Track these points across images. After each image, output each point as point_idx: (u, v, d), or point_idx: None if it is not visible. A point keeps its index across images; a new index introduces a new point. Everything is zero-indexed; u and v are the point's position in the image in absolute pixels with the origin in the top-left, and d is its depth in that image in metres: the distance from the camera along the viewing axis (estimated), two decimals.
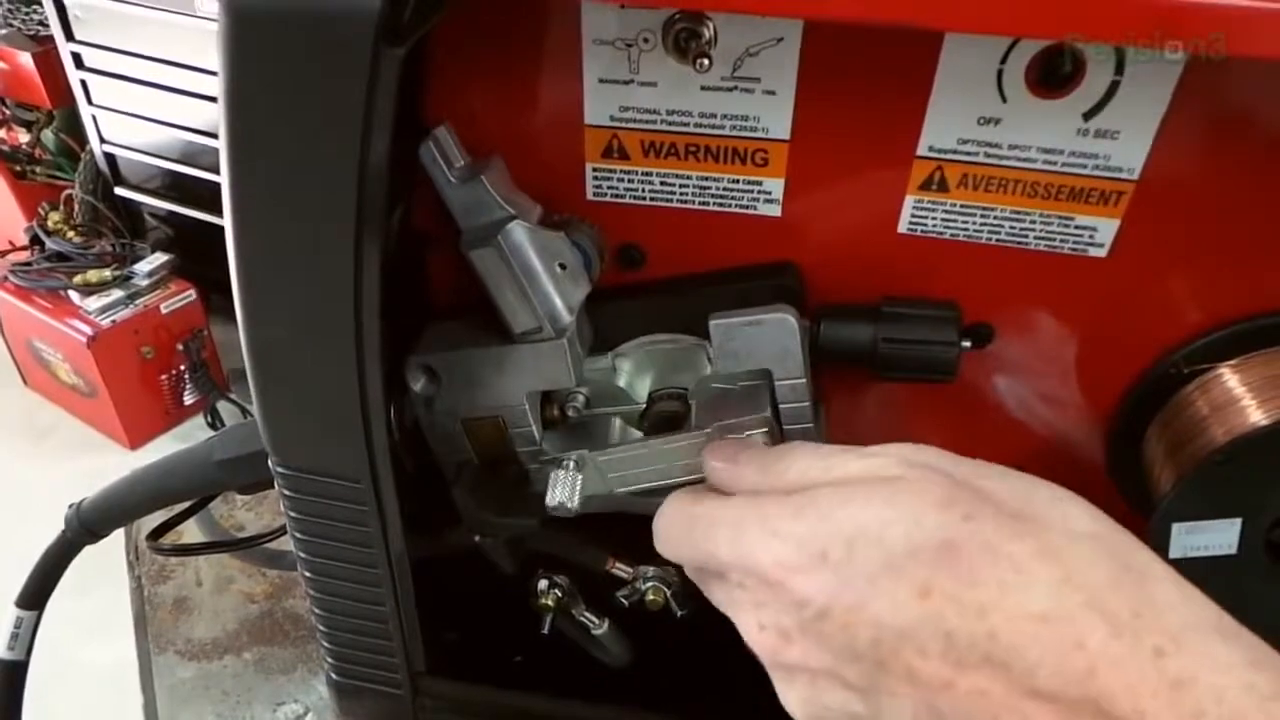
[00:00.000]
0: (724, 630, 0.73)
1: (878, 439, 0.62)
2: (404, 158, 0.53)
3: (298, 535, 0.58)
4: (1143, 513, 0.63)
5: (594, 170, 0.57)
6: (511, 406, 0.59)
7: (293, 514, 0.57)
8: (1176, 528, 0.55)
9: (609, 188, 0.57)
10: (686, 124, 0.54)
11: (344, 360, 0.49)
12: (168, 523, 0.71)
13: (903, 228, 0.56)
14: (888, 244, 0.56)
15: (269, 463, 0.56)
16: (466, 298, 0.61)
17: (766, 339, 0.54)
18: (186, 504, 0.73)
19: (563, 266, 0.55)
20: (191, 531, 0.79)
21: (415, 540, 0.60)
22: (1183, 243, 0.53)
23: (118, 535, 0.82)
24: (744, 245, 0.58)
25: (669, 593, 0.67)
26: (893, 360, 0.54)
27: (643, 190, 0.57)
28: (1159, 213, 0.52)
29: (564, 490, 0.55)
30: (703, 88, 0.52)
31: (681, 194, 0.57)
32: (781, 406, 0.56)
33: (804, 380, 0.55)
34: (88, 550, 0.74)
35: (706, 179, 0.56)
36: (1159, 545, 0.55)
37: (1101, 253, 0.54)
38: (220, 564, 1.08)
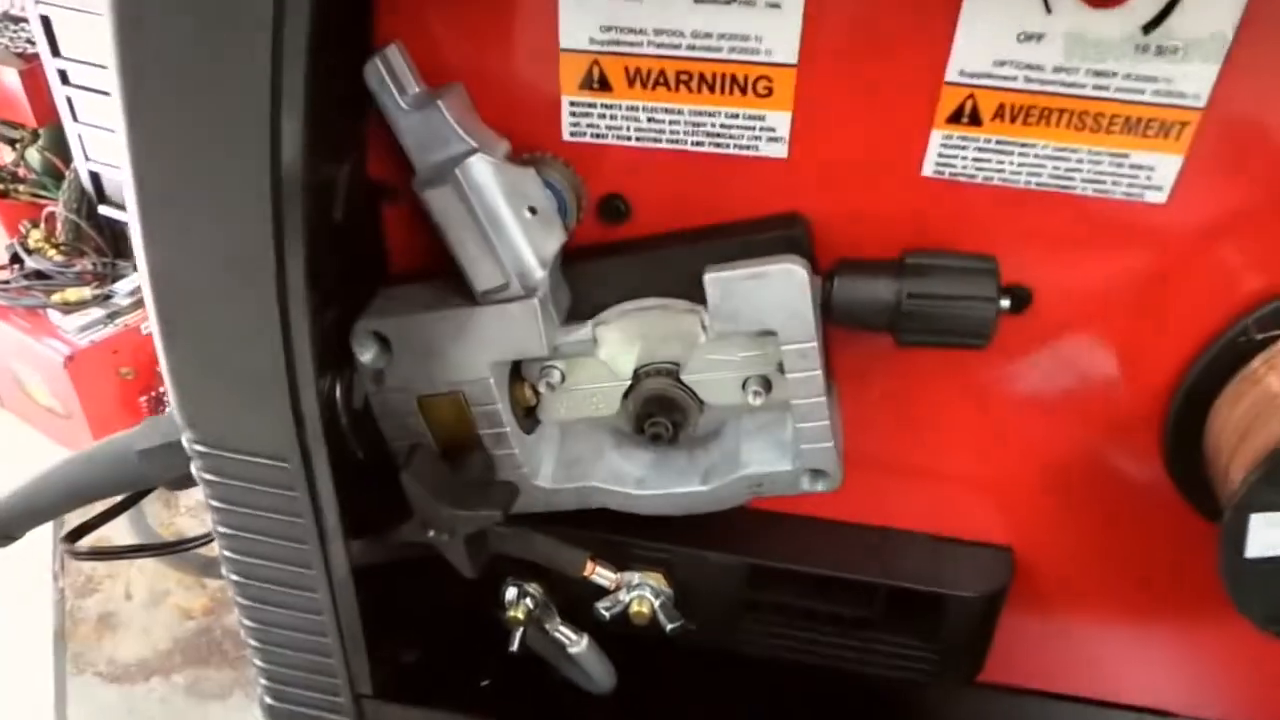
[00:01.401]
0: (722, 649, 0.65)
1: (893, 428, 0.54)
2: (352, 96, 0.46)
3: (221, 530, 0.50)
4: (1205, 512, 0.55)
5: (571, 105, 0.49)
6: (474, 380, 0.51)
7: (214, 503, 0.49)
8: (1255, 520, 0.46)
9: (588, 125, 0.50)
10: (678, 46, 0.47)
11: (263, 309, 0.41)
12: (89, 523, 0.62)
13: (927, 170, 0.48)
14: (910, 190, 0.49)
15: (188, 443, 0.48)
16: (429, 260, 0.53)
17: (771, 295, 0.46)
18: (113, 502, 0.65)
19: (533, 211, 0.47)
20: (127, 538, 0.71)
21: (359, 538, 0.51)
22: (1257, 185, 0.46)
23: (47, 543, 0.73)
24: (744, 195, 0.51)
25: (657, 603, 0.58)
26: (920, 320, 0.46)
27: (627, 129, 0.49)
28: (1229, 149, 0.45)
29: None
30: (696, 0, 0.45)
31: (672, 133, 0.49)
32: (789, 376, 0.48)
33: (815, 344, 0.47)
34: (10, 559, 0.65)
35: (701, 114, 0.48)
36: (1234, 542, 0.47)
37: (1160, 197, 0.46)
38: (156, 574, 0.97)
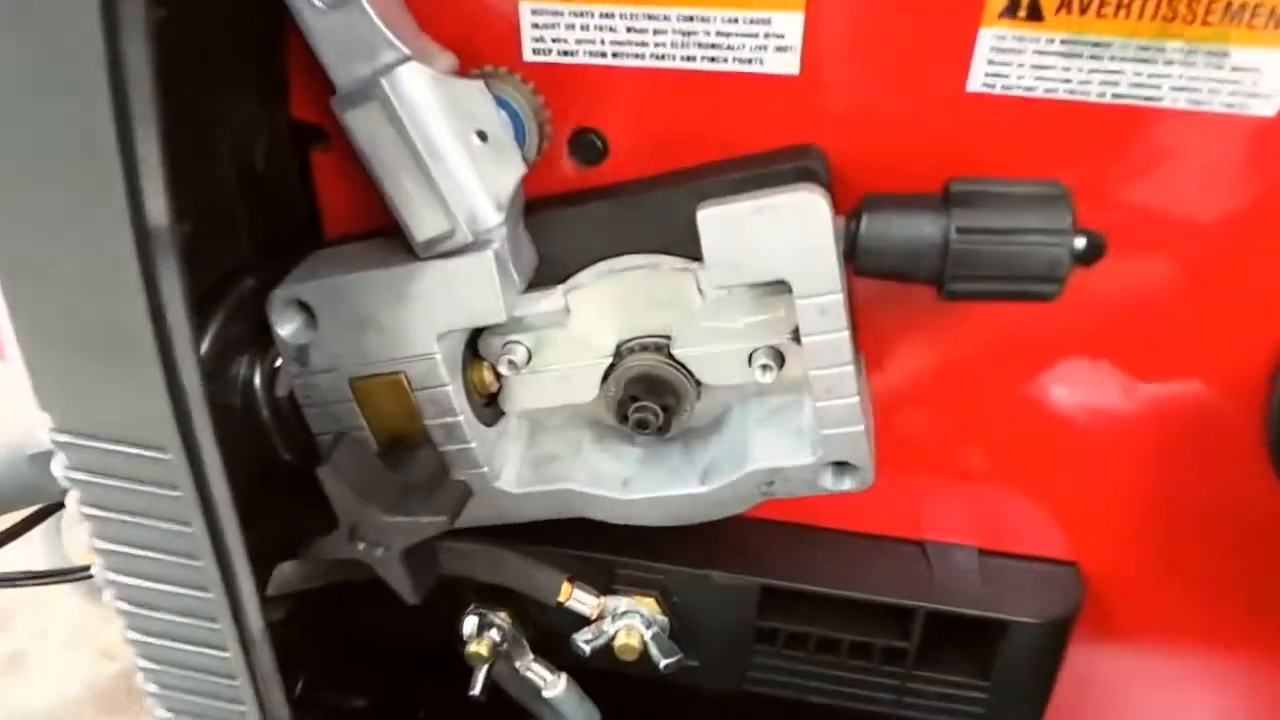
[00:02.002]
0: (728, 689, 0.55)
1: (932, 417, 0.44)
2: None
3: (98, 546, 0.40)
4: None
5: (533, 15, 0.40)
6: (417, 357, 0.42)
7: (87, 510, 0.39)
8: None
9: (554, 40, 0.41)
10: None
11: (118, 246, 0.31)
12: None
13: (974, 83, 0.39)
14: (952, 111, 0.39)
15: (48, 432, 0.38)
16: (372, 220, 0.44)
17: (784, 234, 0.37)
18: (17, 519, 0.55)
19: (483, 136, 0.38)
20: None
21: (272, 554, 0.41)
22: None
23: None
24: (746, 124, 0.41)
25: (649, 635, 0.48)
26: (973, 263, 0.36)
27: (602, 42, 0.40)
28: None
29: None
30: None
31: (656, 46, 0.40)
32: (807, 342, 0.38)
33: (839, 295, 0.37)
34: None
35: (691, 19, 0.39)
36: None
37: (1268, 110, 0.37)
38: (80, 609, 0.86)
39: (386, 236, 0.43)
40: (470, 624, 0.49)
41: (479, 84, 0.37)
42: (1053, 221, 0.35)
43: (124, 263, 0.32)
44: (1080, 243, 0.36)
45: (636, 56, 0.40)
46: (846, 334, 0.38)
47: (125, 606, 0.42)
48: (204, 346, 0.41)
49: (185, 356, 0.34)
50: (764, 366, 0.42)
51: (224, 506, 0.37)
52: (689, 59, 0.40)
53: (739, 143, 0.42)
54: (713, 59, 0.40)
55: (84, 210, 0.32)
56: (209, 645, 0.41)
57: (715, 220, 0.37)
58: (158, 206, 0.31)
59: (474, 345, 0.45)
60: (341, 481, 0.39)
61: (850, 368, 0.39)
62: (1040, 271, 0.36)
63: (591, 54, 0.41)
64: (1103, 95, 0.38)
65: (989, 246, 0.36)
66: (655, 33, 0.40)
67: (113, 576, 0.41)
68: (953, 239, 0.36)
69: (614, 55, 0.41)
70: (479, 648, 0.49)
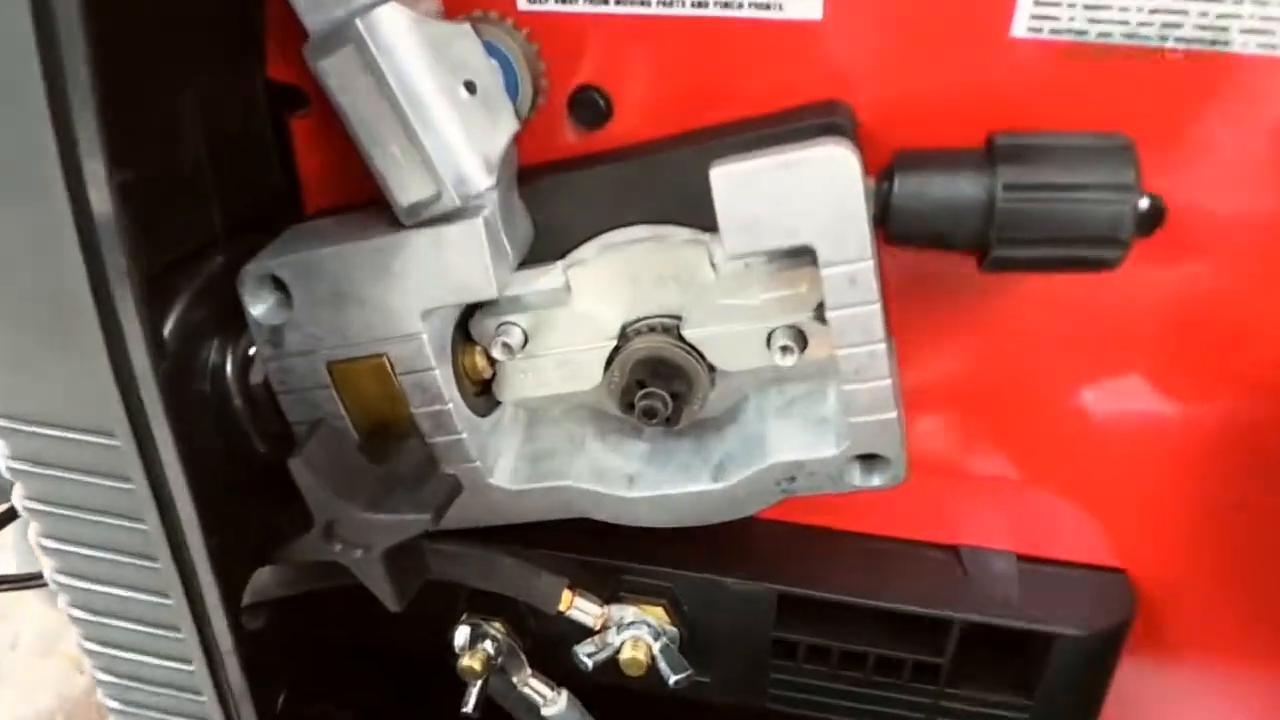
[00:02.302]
0: (743, 706, 0.50)
1: (968, 408, 0.40)
2: None
3: (45, 545, 0.36)
4: None
5: None
6: (401, 337, 0.38)
7: (32, 506, 0.35)
8: None
9: None
10: None
11: (52, 208, 0.27)
12: None
13: (1019, 27, 0.35)
14: (994, 58, 0.35)
15: None
16: (355, 190, 0.40)
17: (808, 193, 0.33)
18: None
19: (471, 88, 0.34)
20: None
21: (243, 554, 0.37)
22: None
23: None
24: (763, 78, 0.38)
25: (657, 647, 0.44)
26: (1023, 225, 0.32)
27: None
28: None
29: None
30: None
31: None
32: (834, 317, 0.34)
33: (870, 263, 0.33)
34: None
35: None
36: None
37: None
38: (55, 617, 0.82)
39: (370, 207, 0.39)
40: (462, 635, 0.45)
41: (466, 27, 0.34)
42: (1114, 176, 0.31)
43: (59, 227, 0.28)
44: (1144, 202, 0.32)
45: (642, 3, 0.37)
46: (878, 307, 0.34)
47: (80, 614, 0.38)
48: (167, 327, 0.37)
49: (133, 329, 0.30)
50: (784, 348, 0.37)
51: (182, 501, 0.33)
52: (700, 5, 0.36)
53: (755, 99, 0.38)
54: (726, 4, 0.36)
55: (15, 169, 0.28)
56: (172, 657, 0.37)
57: (730, 179, 0.33)
58: (95, 166, 0.28)
59: (466, 328, 0.41)
60: (315, 474, 0.35)
61: (883, 345, 0.34)
62: (1099, 232, 0.32)
63: (592, 1, 0.37)
64: (1164, 40, 0.34)
65: (1040, 205, 0.32)
66: None
67: (64, 580, 0.37)
68: (999, 197, 0.32)
69: (617, 2, 0.37)
70: (472, 661, 0.45)
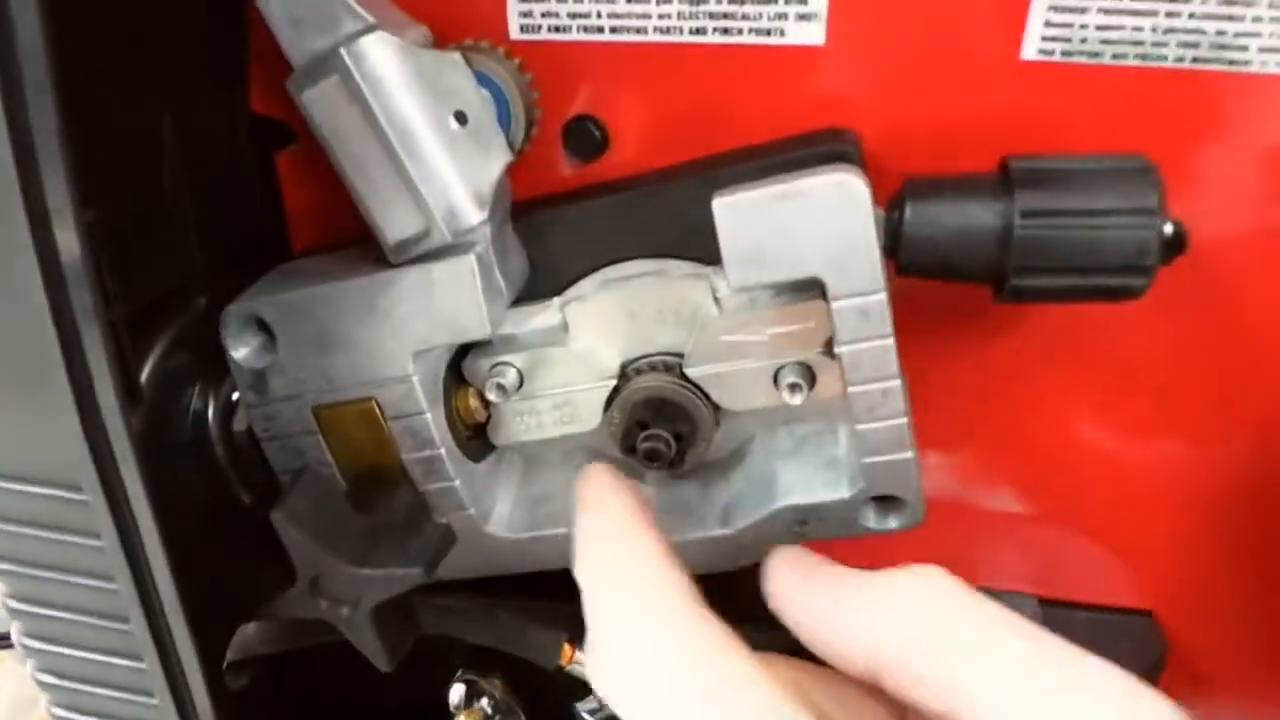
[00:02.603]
0: None
1: (983, 447, 0.39)
2: None
3: (13, 607, 0.34)
4: None
5: None
6: (390, 380, 0.36)
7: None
8: None
9: (544, 15, 0.36)
10: None
11: (14, 252, 0.26)
12: None
13: (1030, 51, 0.34)
14: (1004, 83, 0.34)
15: None
16: (345, 227, 0.39)
17: (816, 223, 0.31)
18: None
19: (461, 119, 0.33)
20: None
21: (227, 610, 0.35)
22: None
23: None
24: (764, 106, 0.36)
25: None
26: (1042, 252, 0.30)
27: (599, 15, 0.35)
28: None
29: None
30: None
31: (661, 17, 0.35)
32: (842, 350, 0.33)
33: (883, 295, 0.31)
34: None
35: None
36: None
37: None
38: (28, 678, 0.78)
39: (359, 244, 0.37)
40: (457, 693, 0.43)
41: (456, 56, 0.32)
42: (1138, 200, 0.30)
43: (23, 269, 0.26)
44: (1169, 228, 0.31)
45: (638, 31, 0.35)
46: (891, 341, 0.32)
47: (49, 679, 0.36)
48: (144, 373, 0.35)
49: (102, 376, 0.28)
50: (792, 386, 0.36)
51: (156, 558, 0.31)
52: (698, 31, 0.35)
53: (757, 128, 0.36)
54: (725, 30, 0.35)
55: None
56: None
57: (734, 209, 0.31)
58: (60, 202, 0.26)
59: (458, 370, 0.39)
60: (299, 527, 0.33)
61: (897, 382, 0.33)
62: (1124, 260, 0.30)
63: (587, 29, 0.36)
64: (1180, 60, 0.33)
65: (1060, 232, 0.30)
66: (659, 2, 0.35)
67: (32, 643, 0.35)
68: (1017, 224, 0.30)
69: (612, 30, 0.35)
70: None
